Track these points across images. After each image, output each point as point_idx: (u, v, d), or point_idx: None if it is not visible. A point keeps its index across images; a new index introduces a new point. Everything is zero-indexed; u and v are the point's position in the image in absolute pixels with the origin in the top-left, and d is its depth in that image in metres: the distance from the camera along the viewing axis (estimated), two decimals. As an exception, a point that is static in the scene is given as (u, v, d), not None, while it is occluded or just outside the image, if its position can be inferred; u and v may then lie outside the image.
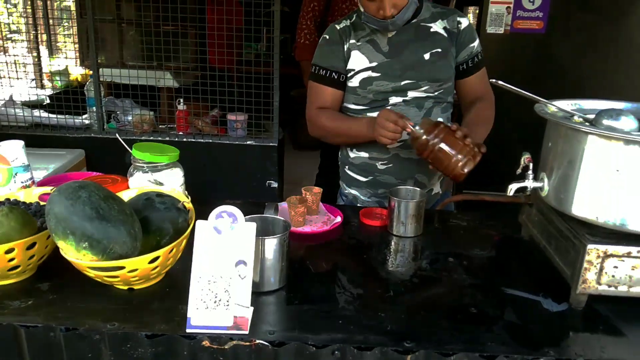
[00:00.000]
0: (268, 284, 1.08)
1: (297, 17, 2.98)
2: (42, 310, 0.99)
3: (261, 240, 1.04)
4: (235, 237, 0.98)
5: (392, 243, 1.36)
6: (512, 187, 1.19)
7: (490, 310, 1.05)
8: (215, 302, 0.95)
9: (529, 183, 1.17)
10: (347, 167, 1.73)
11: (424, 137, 1.34)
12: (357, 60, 1.57)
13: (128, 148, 1.38)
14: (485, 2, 2.94)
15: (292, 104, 5.22)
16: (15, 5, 3.97)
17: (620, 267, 1.01)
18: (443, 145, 1.32)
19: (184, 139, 2.64)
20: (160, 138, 2.60)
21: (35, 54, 3.67)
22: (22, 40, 3.78)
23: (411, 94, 1.56)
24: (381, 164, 1.62)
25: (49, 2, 3.75)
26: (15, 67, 3.20)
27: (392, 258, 1.28)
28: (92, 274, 1.00)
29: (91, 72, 2.64)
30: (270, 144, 2.64)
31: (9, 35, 3.67)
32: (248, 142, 2.64)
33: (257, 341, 0.92)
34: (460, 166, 1.32)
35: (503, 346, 0.93)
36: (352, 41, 1.58)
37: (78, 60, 3.69)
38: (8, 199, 1.20)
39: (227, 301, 0.95)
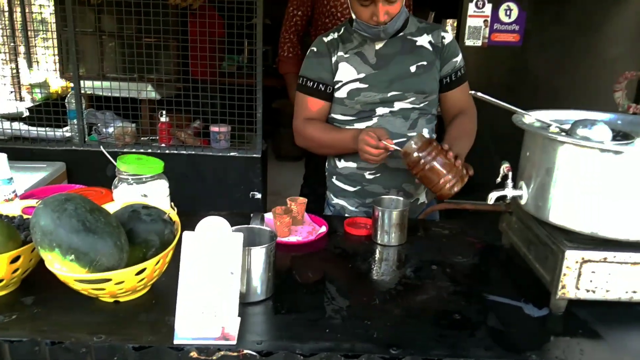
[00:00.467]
0: (255, 294, 1.09)
1: (278, 29, 3.01)
2: (26, 324, 0.98)
3: (248, 250, 1.05)
4: (222, 247, 0.98)
5: (377, 252, 1.37)
6: (492, 196, 1.22)
7: (473, 316, 1.07)
8: (202, 313, 0.95)
9: (509, 192, 1.21)
10: (334, 177, 1.75)
11: (416, 154, 1.36)
12: (345, 72, 1.60)
13: (112, 160, 1.38)
14: (463, 16, 3.01)
15: (273, 115, 5.24)
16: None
17: (598, 272, 1.04)
18: (434, 164, 1.34)
19: (167, 151, 2.63)
20: (142, 150, 2.59)
21: (13, 66, 3.62)
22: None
23: (398, 105, 1.59)
24: (369, 174, 1.65)
25: (27, 15, 3.72)
26: (-7, 79, 3.16)
27: (377, 267, 1.30)
28: (78, 286, 0.99)
29: (72, 84, 2.62)
30: (254, 155, 2.65)
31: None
32: (231, 154, 2.65)
33: (245, 351, 0.93)
34: (448, 187, 1.34)
35: (486, 351, 0.95)
36: (340, 53, 1.61)
37: (58, 72, 3.65)
38: (-10, 213, 1.19)
39: (215, 312, 0.95)
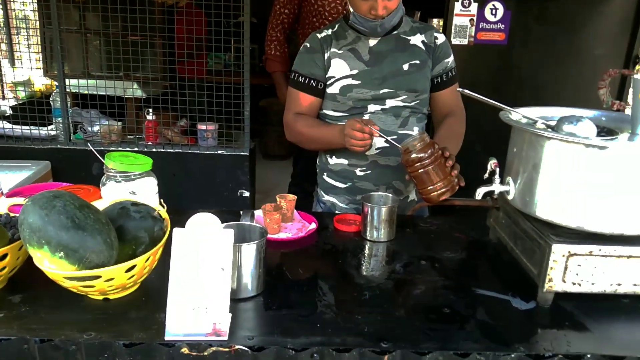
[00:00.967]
0: (246, 290, 1.09)
1: (265, 28, 3.00)
2: (15, 322, 0.97)
3: (238, 247, 1.05)
4: (213, 244, 0.98)
5: (366, 248, 1.38)
6: (480, 191, 1.23)
7: (462, 310, 1.08)
8: (193, 309, 0.95)
9: (496, 187, 1.22)
10: (325, 173, 1.75)
11: (415, 154, 1.32)
12: (338, 68, 1.61)
13: (100, 158, 1.37)
14: (449, 15, 3.04)
15: (261, 114, 5.23)
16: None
17: (584, 266, 1.06)
18: (431, 169, 1.32)
19: (154, 149, 2.61)
20: (129, 148, 2.57)
21: (-6, 64, 3.57)
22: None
23: (389, 103, 1.60)
24: (360, 171, 1.66)
25: (9, 12, 3.66)
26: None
27: (366, 262, 1.31)
28: (67, 284, 0.98)
29: (56, 82, 2.59)
30: (242, 154, 2.64)
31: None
32: (219, 152, 2.64)
33: (237, 346, 0.93)
34: (437, 194, 1.32)
35: (476, 344, 0.96)
36: (333, 50, 1.62)
37: (42, 70, 3.60)
38: (-24, 211, 1.17)
39: (206, 308, 0.95)
